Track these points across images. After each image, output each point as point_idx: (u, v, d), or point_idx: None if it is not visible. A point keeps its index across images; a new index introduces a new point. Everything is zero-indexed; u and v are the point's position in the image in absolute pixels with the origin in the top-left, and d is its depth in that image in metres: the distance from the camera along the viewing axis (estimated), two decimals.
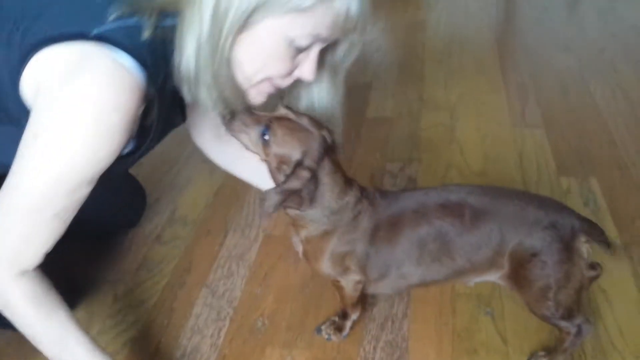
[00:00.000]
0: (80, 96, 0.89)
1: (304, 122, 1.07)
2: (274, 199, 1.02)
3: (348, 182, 1.13)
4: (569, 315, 1.11)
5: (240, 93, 1.06)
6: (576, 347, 1.16)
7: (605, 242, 1.10)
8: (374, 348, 1.26)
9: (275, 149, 1.06)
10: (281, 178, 1.06)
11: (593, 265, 1.12)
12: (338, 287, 1.22)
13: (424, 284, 1.18)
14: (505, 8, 3.14)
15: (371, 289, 1.22)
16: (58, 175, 0.93)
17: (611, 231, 1.52)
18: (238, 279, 1.48)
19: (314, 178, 1.06)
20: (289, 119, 1.07)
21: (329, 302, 1.38)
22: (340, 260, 1.15)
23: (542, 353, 1.20)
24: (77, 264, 1.51)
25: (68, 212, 0.98)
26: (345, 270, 1.16)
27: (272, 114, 1.08)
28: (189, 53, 0.96)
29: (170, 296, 1.44)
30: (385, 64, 2.56)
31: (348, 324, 1.28)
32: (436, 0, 3.25)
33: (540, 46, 2.61)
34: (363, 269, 1.16)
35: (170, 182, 1.87)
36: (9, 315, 1.01)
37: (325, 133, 1.08)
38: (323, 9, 0.94)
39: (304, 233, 1.15)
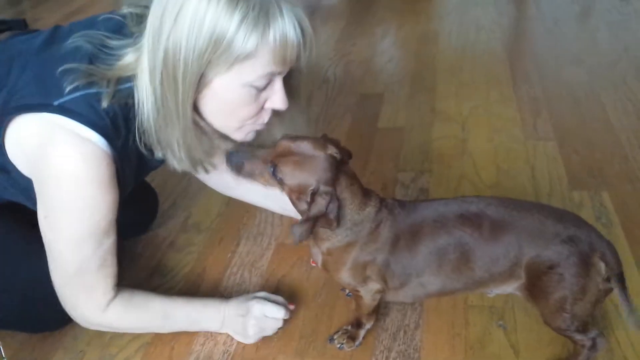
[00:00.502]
0: (58, 178, 1.05)
1: (307, 148, 1.07)
2: (300, 229, 1.05)
3: (366, 193, 1.14)
4: (583, 328, 1.12)
5: (211, 150, 1.16)
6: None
7: (617, 272, 1.09)
8: (386, 358, 1.27)
9: (290, 183, 1.08)
10: (303, 206, 1.08)
11: (607, 278, 1.12)
12: (357, 297, 1.23)
13: (442, 293, 1.19)
14: (516, 20, 3.15)
15: (390, 297, 1.23)
16: (76, 241, 1.11)
17: (623, 245, 1.52)
18: (250, 286, 1.48)
19: (334, 198, 1.07)
20: (291, 152, 1.07)
21: (341, 310, 1.39)
22: (361, 270, 1.16)
23: None
24: None
25: (107, 257, 1.16)
26: (365, 279, 1.17)
27: (274, 150, 1.09)
28: (149, 120, 1.07)
29: None
30: (397, 75, 2.58)
31: (362, 332, 1.29)
32: (447, 11, 3.27)
33: (552, 59, 2.62)
34: (383, 277, 1.17)
35: (184, 189, 1.88)
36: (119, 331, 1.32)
37: (331, 150, 1.09)
38: (264, 49, 0.98)
39: (325, 245, 1.16)
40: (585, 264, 1.06)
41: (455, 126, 2.13)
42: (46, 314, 1.30)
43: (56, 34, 1.15)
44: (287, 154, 1.07)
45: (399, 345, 1.29)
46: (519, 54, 2.73)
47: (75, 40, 1.07)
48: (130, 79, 1.07)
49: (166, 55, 0.99)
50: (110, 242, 1.16)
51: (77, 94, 1.02)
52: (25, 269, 1.23)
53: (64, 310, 1.21)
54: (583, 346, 1.14)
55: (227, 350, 1.31)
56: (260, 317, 1.26)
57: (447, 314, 1.36)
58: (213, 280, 1.52)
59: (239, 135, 1.15)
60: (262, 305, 1.26)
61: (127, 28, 1.10)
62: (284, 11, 0.98)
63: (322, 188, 1.06)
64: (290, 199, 1.11)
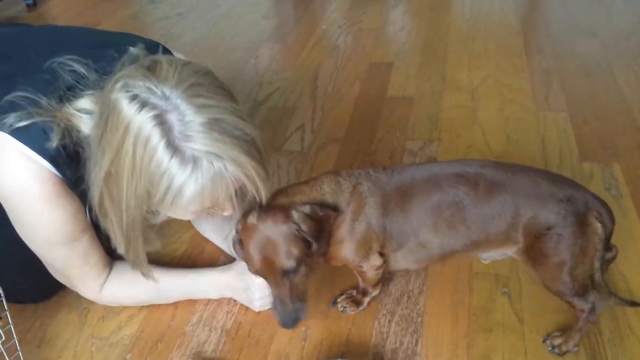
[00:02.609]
0: (8, 195, 1.07)
1: (264, 234, 1.04)
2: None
3: (313, 179, 1.15)
4: (583, 291, 1.11)
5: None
6: (590, 324, 1.16)
7: (609, 229, 1.09)
8: (389, 322, 1.26)
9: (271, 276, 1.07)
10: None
11: (609, 247, 1.11)
12: (360, 273, 1.23)
13: (443, 256, 1.18)
14: None
15: (393, 265, 1.21)
16: (47, 248, 1.16)
17: (632, 216, 1.50)
18: None
19: (314, 227, 1.06)
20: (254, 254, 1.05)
21: (344, 274, 1.38)
22: (362, 244, 1.15)
23: (557, 333, 1.20)
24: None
25: (88, 251, 1.19)
26: (367, 254, 1.17)
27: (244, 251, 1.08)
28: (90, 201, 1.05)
29: (188, 263, 1.45)
30: (408, 44, 2.54)
31: (367, 299, 1.29)
32: None
33: (566, 31, 2.58)
34: (383, 243, 1.16)
35: None
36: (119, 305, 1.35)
37: (293, 216, 1.05)
38: (197, 200, 0.96)
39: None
40: (582, 224, 1.06)
41: (466, 96, 2.11)
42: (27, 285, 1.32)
43: (53, 44, 1.16)
44: (252, 257, 1.06)
45: (402, 309, 1.29)
46: (533, 25, 2.69)
47: (59, 64, 1.06)
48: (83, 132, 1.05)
49: (107, 183, 0.98)
50: (84, 241, 1.18)
51: (34, 119, 1.02)
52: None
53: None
54: (582, 311, 1.13)
55: (231, 311, 1.31)
56: (263, 289, 1.24)
57: (452, 281, 1.35)
58: None
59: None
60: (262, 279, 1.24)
61: (117, 65, 1.05)
62: (214, 167, 0.93)
63: (296, 230, 1.04)
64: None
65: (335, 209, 1.11)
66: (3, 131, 1.02)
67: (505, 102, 2.05)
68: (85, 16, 3.06)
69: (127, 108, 0.91)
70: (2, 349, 1.06)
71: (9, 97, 1.02)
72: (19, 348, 1.12)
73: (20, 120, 1.01)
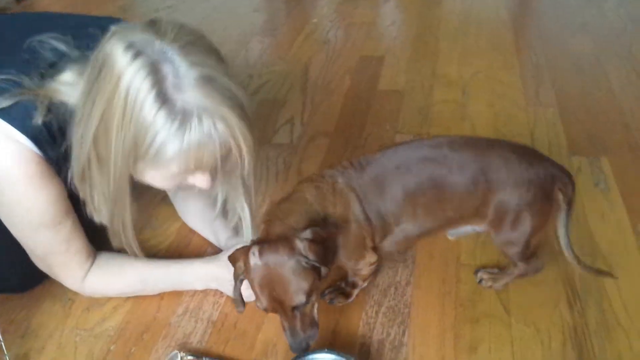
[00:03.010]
0: None
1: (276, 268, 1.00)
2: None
3: (292, 193, 1.14)
4: (530, 257, 1.22)
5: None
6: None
7: (571, 198, 1.17)
8: (376, 313, 1.26)
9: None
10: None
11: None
12: (356, 271, 1.23)
13: (421, 235, 1.22)
14: None
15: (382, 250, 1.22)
16: (29, 232, 1.14)
17: (619, 210, 1.51)
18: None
19: (320, 250, 1.02)
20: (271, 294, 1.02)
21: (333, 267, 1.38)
22: (357, 242, 1.15)
23: (490, 271, 1.30)
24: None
25: (70, 237, 1.17)
26: (363, 251, 1.17)
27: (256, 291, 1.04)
28: (72, 167, 1.06)
29: (175, 255, 1.44)
30: (399, 39, 2.54)
31: (355, 292, 1.28)
32: None
33: (557, 27, 2.58)
34: (372, 236, 1.17)
35: None
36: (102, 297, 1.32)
37: (298, 247, 1.01)
38: (179, 158, 0.95)
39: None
40: (548, 199, 1.13)
41: (456, 90, 2.11)
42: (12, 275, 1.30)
43: (36, 25, 1.15)
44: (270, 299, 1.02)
45: (389, 300, 1.29)
46: (524, 21, 2.70)
47: (40, 43, 1.07)
48: (67, 105, 1.05)
49: (96, 138, 0.97)
50: (67, 225, 1.16)
51: (17, 98, 1.02)
52: None
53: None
54: (520, 270, 1.24)
55: (217, 302, 1.30)
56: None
57: (439, 272, 1.35)
58: None
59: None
60: None
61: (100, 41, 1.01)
62: (204, 125, 0.93)
63: (304, 251, 1.01)
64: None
65: (336, 225, 1.10)
66: None
67: (496, 97, 2.05)
68: (73, 8, 3.03)
69: (122, 56, 0.91)
70: None
71: None
72: (1, 337, 1.11)
73: (3, 102, 1.00)
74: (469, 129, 1.87)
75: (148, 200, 1.62)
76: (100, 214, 1.10)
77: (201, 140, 0.93)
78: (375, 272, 1.30)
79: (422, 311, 1.26)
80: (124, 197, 1.04)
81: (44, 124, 1.04)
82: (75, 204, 1.15)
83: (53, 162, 1.08)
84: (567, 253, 1.22)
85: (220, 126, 0.94)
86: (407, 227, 1.17)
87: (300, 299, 1.01)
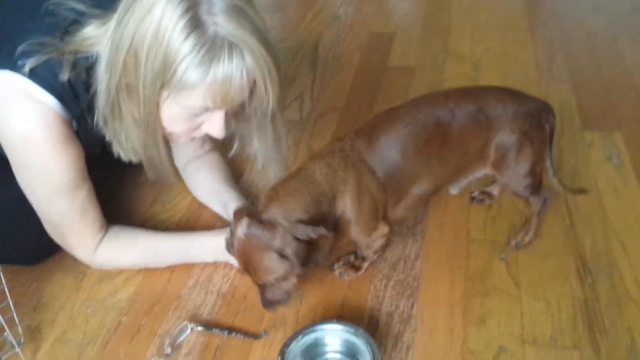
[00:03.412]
0: (12, 139, 1.07)
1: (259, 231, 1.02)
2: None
3: (301, 171, 1.12)
4: (538, 188, 1.28)
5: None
6: (542, 216, 1.34)
7: (553, 127, 1.28)
8: (385, 286, 1.26)
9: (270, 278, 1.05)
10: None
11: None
12: (368, 244, 1.23)
13: (434, 191, 1.26)
14: None
15: (391, 217, 1.23)
16: (47, 198, 1.15)
17: (633, 185, 1.49)
18: None
19: (299, 249, 1.02)
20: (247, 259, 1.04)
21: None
22: (370, 215, 1.16)
23: (515, 234, 1.34)
24: None
25: (86, 205, 1.18)
26: (376, 224, 1.18)
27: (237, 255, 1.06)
28: (99, 107, 1.07)
29: (186, 229, 1.44)
30: (411, 15, 2.51)
31: (365, 265, 1.28)
32: None
33: (571, 5, 2.54)
34: (385, 205, 1.17)
35: None
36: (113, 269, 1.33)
37: (277, 238, 1.02)
38: (202, 87, 0.97)
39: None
40: (541, 132, 1.23)
41: (468, 66, 2.08)
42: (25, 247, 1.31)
43: None
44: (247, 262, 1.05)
45: (398, 274, 1.29)
46: None
47: (56, 5, 1.07)
48: (90, 54, 1.06)
49: (125, 64, 0.99)
50: (84, 192, 1.18)
51: (40, 57, 1.02)
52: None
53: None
54: (536, 207, 1.30)
55: (227, 274, 1.31)
56: None
57: (448, 247, 1.35)
58: None
59: (172, 140, 1.16)
60: None
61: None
62: (234, 56, 0.95)
63: (285, 249, 1.02)
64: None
65: (335, 227, 1.10)
66: (10, 69, 1.02)
67: (508, 72, 2.03)
68: None
69: None
70: None
71: (21, 48, 1.02)
72: (13, 309, 1.12)
73: (29, 64, 1.01)
74: None
75: None
76: (129, 151, 1.12)
77: (229, 71, 0.95)
78: (384, 246, 1.30)
79: (431, 285, 1.26)
80: (156, 123, 1.05)
81: (69, 80, 1.05)
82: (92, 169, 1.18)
83: (76, 119, 1.10)
84: (553, 181, 1.35)
85: (249, 58, 0.96)
86: (421, 185, 1.20)
87: (268, 280, 1.04)
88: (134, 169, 1.62)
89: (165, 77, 0.96)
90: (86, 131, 1.14)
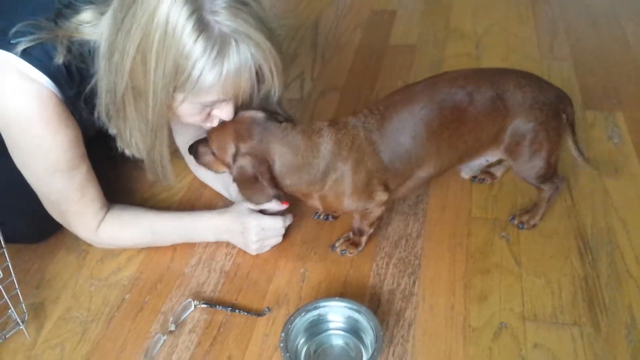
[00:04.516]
0: (7, 118, 1.05)
1: (234, 119, 1.09)
2: (242, 196, 1.12)
3: (311, 133, 1.12)
4: (552, 176, 1.27)
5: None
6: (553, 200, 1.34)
7: (572, 117, 1.25)
8: (387, 264, 1.27)
9: (219, 154, 1.10)
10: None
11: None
12: (365, 214, 1.23)
13: (440, 172, 1.24)
14: None
15: (393, 195, 1.23)
16: (45, 177, 1.14)
17: (634, 164, 1.49)
18: None
19: (260, 160, 1.06)
20: (221, 125, 1.11)
21: (342, 218, 1.38)
22: (364, 190, 1.16)
23: (522, 212, 1.35)
24: None
25: (85, 184, 1.18)
26: (371, 195, 1.17)
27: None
28: (101, 105, 1.08)
29: (187, 209, 1.45)
30: None
31: (364, 239, 1.28)
32: None
33: None
34: (385, 183, 1.17)
35: None
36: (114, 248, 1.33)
37: (253, 113, 1.09)
38: (217, 85, 0.98)
39: (314, 197, 1.17)
40: (558, 121, 1.20)
41: (470, 44, 2.07)
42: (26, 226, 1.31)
43: None
44: (217, 127, 1.11)
45: (400, 252, 1.29)
46: None
47: None
48: (85, 40, 1.06)
49: (133, 70, 0.98)
50: (83, 171, 1.17)
51: (37, 40, 1.01)
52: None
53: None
54: (547, 194, 1.30)
55: (230, 253, 1.31)
56: (260, 232, 1.25)
57: (450, 225, 1.35)
58: None
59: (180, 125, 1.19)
60: (258, 219, 1.23)
61: None
62: (241, 51, 0.97)
63: (243, 149, 1.06)
64: (233, 180, 1.12)
65: (274, 184, 1.10)
66: (4, 48, 1.01)
67: (510, 50, 2.02)
68: None
69: None
70: (1, 287, 1.06)
71: (15, 29, 1.01)
72: (17, 286, 1.12)
73: (23, 44, 1.01)
74: None
75: None
76: (132, 147, 1.12)
77: (239, 66, 0.97)
78: (381, 218, 1.30)
79: (432, 263, 1.26)
80: (163, 128, 1.07)
81: (64, 63, 1.04)
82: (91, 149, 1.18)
83: (70, 101, 1.09)
84: (581, 160, 1.31)
85: (255, 51, 0.97)
86: (428, 168, 1.19)
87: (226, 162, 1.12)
88: None
89: (178, 81, 0.97)
90: (80, 115, 1.13)
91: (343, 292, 1.21)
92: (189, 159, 1.50)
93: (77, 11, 1.05)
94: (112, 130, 1.13)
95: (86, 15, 1.04)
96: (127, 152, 1.15)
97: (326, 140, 1.11)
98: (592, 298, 1.17)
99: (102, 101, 1.07)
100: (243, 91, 1.02)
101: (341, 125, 1.14)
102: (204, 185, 1.51)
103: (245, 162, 1.07)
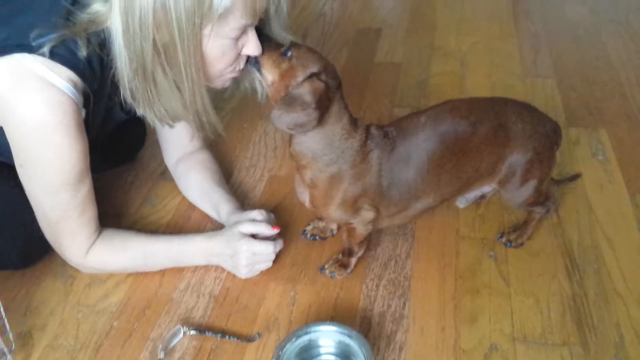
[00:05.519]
0: (24, 126, 1.04)
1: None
2: (283, 114, 1.05)
3: (354, 122, 1.14)
4: (545, 199, 1.29)
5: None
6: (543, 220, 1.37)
7: (559, 144, 1.28)
8: (377, 286, 1.27)
9: (295, 62, 1.07)
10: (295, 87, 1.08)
11: None
12: (349, 229, 1.22)
13: (439, 203, 1.24)
14: None
15: (384, 224, 1.24)
16: (52, 190, 1.12)
17: (618, 181, 1.51)
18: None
19: (327, 95, 1.06)
20: (308, 47, 1.11)
21: (332, 240, 1.38)
22: (352, 204, 1.16)
23: (511, 229, 1.37)
24: None
25: (86, 202, 1.17)
26: (357, 210, 1.17)
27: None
28: (123, 79, 1.07)
29: (174, 232, 1.44)
30: (396, 10, 2.51)
31: (353, 260, 1.28)
32: None
33: None
34: (376, 207, 1.17)
35: None
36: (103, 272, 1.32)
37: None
38: (238, 4, 1.01)
39: (308, 175, 1.15)
40: (551, 152, 1.23)
41: (454, 62, 2.09)
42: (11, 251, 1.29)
43: None
44: (304, 45, 1.12)
45: (389, 273, 1.30)
46: None
47: None
48: (102, 31, 1.07)
49: (156, 21, 0.99)
50: (86, 187, 1.17)
51: (57, 37, 1.02)
52: None
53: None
54: (538, 214, 1.32)
55: (219, 277, 1.31)
56: (250, 257, 1.24)
57: (438, 245, 1.36)
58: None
59: (218, 83, 1.18)
60: (249, 244, 1.23)
61: None
62: None
63: (323, 76, 1.06)
64: (282, 84, 1.09)
65: (320, 119, 1.08)
66: (23, 51, 1.01)
67: (493, 67, 2.04)
68: None
69: None
70: None
71: (36, 31, 1.01)
72: (4, 316, 1.11)
73: (47, 45, 1.01)
74: None
75: (147, 176, 1.62)
76: (166, 118, 1.14)
77: None
78: (369, 240, 1.31)
79: (422, 283, 1.27)
80: (199, 79, 1.08)
81: (87, 57, 1.05)
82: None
83: (93, 92, 1.11)
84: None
85: None
86: (427, 200, 1.20)
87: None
88: (121, 170, 1.63)
89: (202, 11, 0.98)
90: (96, 110, 1.14)
91: (333, 316, 1.21)
92: (179, 180, 1.50)
93: (85, 5, 1.05)
94: (142, 109, 1.13)
95: (96, 6, 1.04)
96: (159, 124, 1.18)
97: (357, 138, 1.13)
98: (580, 317, 1.18)
99: (125, 81, 1.07)
100: (260, 8, 1.04)
101: (370, 135, 1.15)
102: (192, 207, 1.50)
103: (317, 86, 1.05)
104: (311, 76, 1.06)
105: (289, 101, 1.05)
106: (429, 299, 1.23)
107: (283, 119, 1.05)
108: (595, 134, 1.69)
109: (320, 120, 1.06)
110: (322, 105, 1.05)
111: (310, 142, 1.11)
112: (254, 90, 1.26)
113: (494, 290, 1.24)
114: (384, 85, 1.99)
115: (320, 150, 1.11)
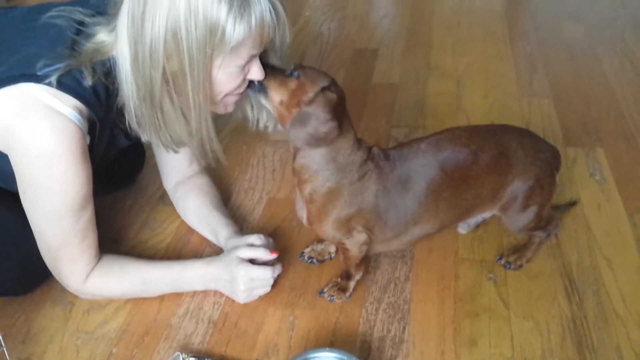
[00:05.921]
0: (29, 153, 1.05)
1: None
2: (298, 131, 1.08)
3: (358, 140, 1.15)
4: (546, 224, 1.29)
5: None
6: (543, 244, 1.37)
7: (558, 168, 1.28)
8: (376, 309, 1.27)
9: (303, 79, 1.09)
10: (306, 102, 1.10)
11: None
12: (343, 249, 1.22)
13: (438, 230, 1.24)
14: None
15: (381, 248, 1.24)
16: (56, 217, 1.13)
17: (615, 200, 1.51)
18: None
19: (340, 107, 1.09)
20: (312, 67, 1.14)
21: (331, 264, 1.38)
22: (346, 222, 1.16)
23: (510, 251, 1.36)
24: None
25: (88, 227, 1.17)
26: (350, 231, 1.17)
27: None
28: (129, 105, 1.10)
29: (173, 256, 1.44)
30: (393, 31, 2.53)
31: (352, 284, 1.28)
32: None
33: (550, 15, 2.57)
34: (371, 229, 1.17)
35: None
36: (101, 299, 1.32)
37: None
38: (249, 37, 1.04)
39: (308, 189, 1.16)
40: (552, 178, 1.23)
41: (451, 82, 2.10)
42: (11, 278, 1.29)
43: (36, 9, 1.16)
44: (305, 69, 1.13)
45: (389, 297, 1.29)
46: (517, 10, 2.68)
47: (54, 17, 1.10)
48: (107, 60, 1.09)
49: (167, 51, 1.02)
50: (89, 214, 1.17)
51: (63, 67, 1.04)
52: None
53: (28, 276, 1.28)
54: (538, 239, 1.33)
55: (217, 302, 1.31)
56: (248, 282, 1.24)
57: (437, 267, 1.36)
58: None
59: (221, 108, 1.20)
60: (247, 269, 1.23)
61: (106, 7, 1.12)
62: (261, 2, 1.03)
63: (334, 88, 1.09)
64: (293, 101, 1.11)
65: (340, 128, 1.09)
66: (29, 81, 1.02)
67: (490, 87, 2.05)
68: None
69: None
70: None
71: (42, 61, 1.03)
72: (3, 344, 1.11)
73: (53, 75, 1.03)
74: (464, 121, 1.87)
75: (146, 200, 1.62)
76: (171, 144, 1.17)
77: (261, 9, 1.02)
78: (370, 268, 1.31)
79: (421, 307, 1.27)
80: (206, 106, 1.10)
81: (92, 86, 1.07)
82: None
83: (100, 120, 1.12)
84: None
85: (271, 7, 1.04)
86: (425, 226, 1.20)
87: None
88: (120, 194, 1.63)
89: (214, 42, 1.01)
90: (100, 137, 1.16)
91: (333, 340, 1.21)
92: (177, 204, 1.50)
93: (90, 35, 1.07)
94: (147, 135, 1.16)
95: (101, 36, 1.07)
96: (165, 149, 1.19)
97: (359, 155, 1.14)
98: (580, 340, 1.18)
99: (132, 108, 1.09)
100: (266, 36, 1.07)
101: (372, 155, 1.16)
102: (191, 231, 1.50)
103: (332, 97, 1.07)
104: (322, 90, 1.08)
105: (303, 118, 1.07)
106: (429, 322, 1.23)
107: (301, 136, 1.08)
108: (592, 154, 1.69)
109: (340, 128, 1.08)
110: (338, 116, 1.08)
111: (315, 155, 1.12)
112: (245, 119, 1.30)
113: (494, 313, 1.24)
114: (382, 105, 2.00)
115: (324, 164, 1.12)
